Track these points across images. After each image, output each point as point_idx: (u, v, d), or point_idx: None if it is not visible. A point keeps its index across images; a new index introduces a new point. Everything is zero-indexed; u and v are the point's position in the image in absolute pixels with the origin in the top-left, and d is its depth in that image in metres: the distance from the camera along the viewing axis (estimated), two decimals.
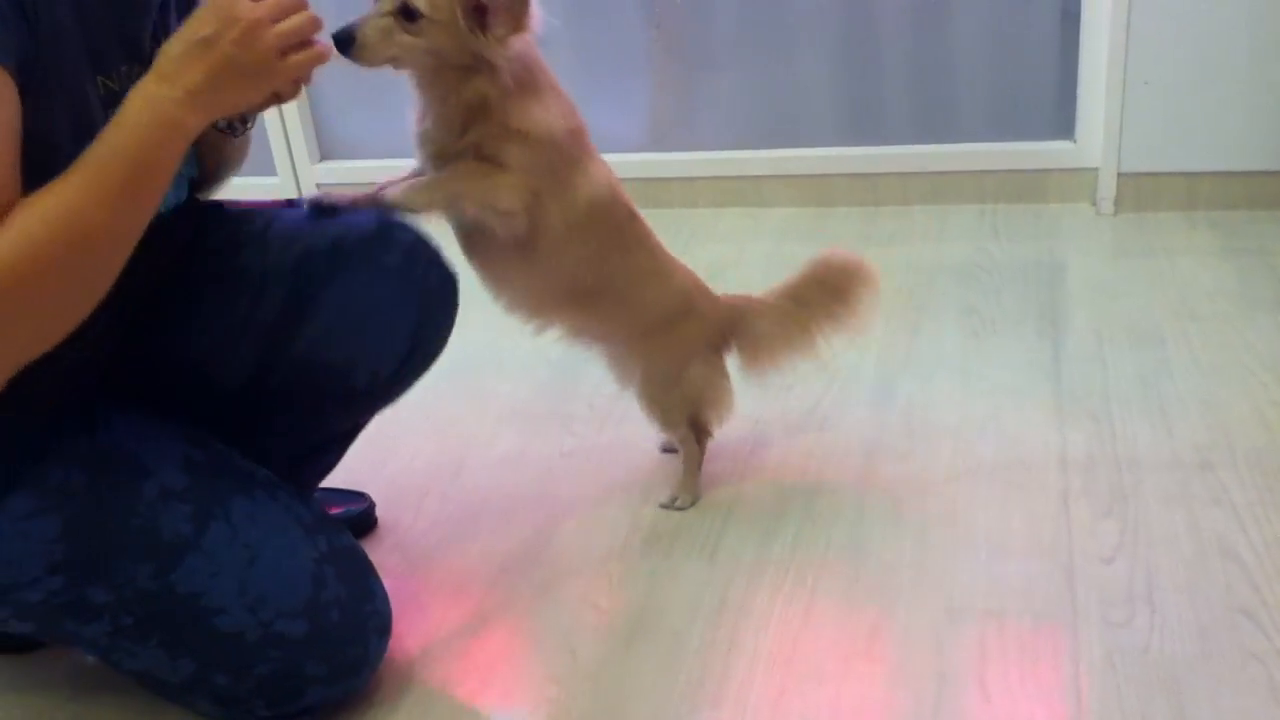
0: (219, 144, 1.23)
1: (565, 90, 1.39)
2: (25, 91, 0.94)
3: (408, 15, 1.23)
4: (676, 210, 2.76)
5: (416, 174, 1.41)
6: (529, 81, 1.33)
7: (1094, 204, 2.49)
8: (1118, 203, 2.45)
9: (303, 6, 1.04)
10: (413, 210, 1.32)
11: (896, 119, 2.63)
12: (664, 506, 1.57)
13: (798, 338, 1.55)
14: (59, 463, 1.11)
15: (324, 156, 3.07)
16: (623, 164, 2.97)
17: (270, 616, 1.14)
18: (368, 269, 1.27)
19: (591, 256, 1.43)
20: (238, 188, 1.37)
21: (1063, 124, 2.52)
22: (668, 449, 1.67)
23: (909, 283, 2.23)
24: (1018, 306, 2.08)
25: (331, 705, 1.22)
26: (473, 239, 1.41)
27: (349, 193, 1.35)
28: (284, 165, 3.04)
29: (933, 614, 1.32)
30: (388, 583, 1.28)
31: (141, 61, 1.09)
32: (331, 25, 1.19)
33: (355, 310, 1.27)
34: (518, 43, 1.29)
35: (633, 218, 1.48)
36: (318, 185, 3.06)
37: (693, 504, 1.57)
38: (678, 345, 1.51)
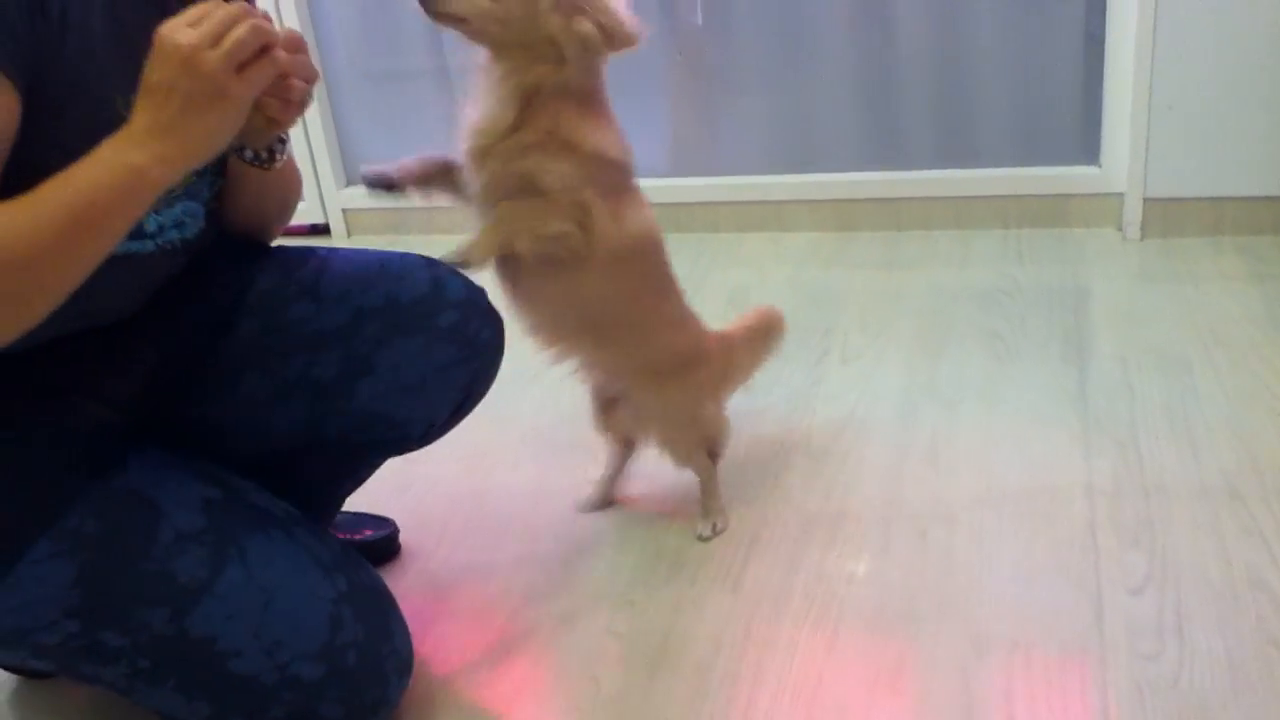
0: (251, 177, 1.23)
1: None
2: (40, 103, 0.94)
3: None
4: (698, 234, 2.77)
5: (442, 162, 1.39)
6: (590, 100, 1.33)
7: (1120, 229, 2.47)
8: (1144, 228, 2.44)
9: (242, 19, 0.97)
10: (473, 267, 1.34)
11: (919, 144, 2.63)
12: (705, 538, 1.57)
13: (753, 369, 1.66)
14: (74, 507, 1.10)
15: (350, 182, 3.10)
16: (645, 188, 2.99)
17: (286, 659, 1.14)
18: (424, 331, 1.29)
19: (626, 294, 1.45)
20: None
21: (1088, 149, 2.51)
22: (592, 508, 1.67)
23: (932, 308, 2.22)
24: (1042, 332, 2.07)
25: None
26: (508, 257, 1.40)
27: (404, 164, 1.36)
28: (311, 191, 3.07)
29: (959, 645, 1.31)
30: (410, 610, 1.28)
31: None
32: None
33: (413, 372, 1.29)
34: (595, 51, 1.28)
35: (667, 264, 1.50)
36: (344, 211, 3.09)
37: (726, 524, 1.59)
38: (694, 389, 1.53)
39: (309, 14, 2.90)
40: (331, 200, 3.09)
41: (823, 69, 2.64)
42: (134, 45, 1.03)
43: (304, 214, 3.05)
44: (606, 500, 1.67)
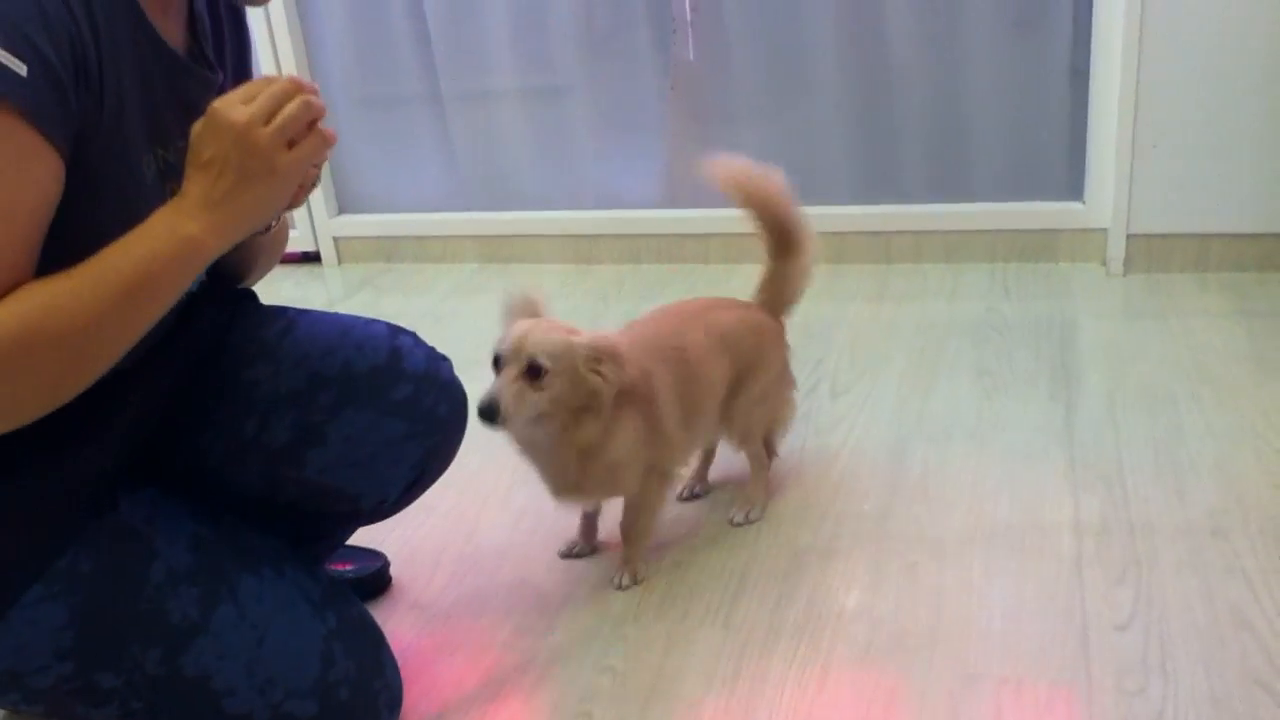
0: (250, 239, 1.25)
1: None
2: (78, 164, 0.96)
3: (534, 373, 1.36)
4: (690, 265, 2.80)
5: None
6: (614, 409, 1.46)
7: (1104, 264, 2.51)
8: (1127, 263, 2.47)
9: (294, 94, 1.00)
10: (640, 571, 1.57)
11: (910, 179, 2.66)
12: (739, 523, 1.66)
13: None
14: (68, 549, 1.10)
15: (342, 210, 3.12)
16: (638, 220, 3.02)
17: (280, 697, 1.14)
18: (376, 406, 1.26)
19: (697, 436, 1.64)
20: None
21: (1073, 185, 2.55)
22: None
23: (921, 342, 2.25)
24: (1030, 367, 2.10)
25: None
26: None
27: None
28: (303, 219, 3.08)
29: (948, 680, 1.32)
30: (402, 644, 1.29)
31: None
32: None
33: (363, 445, 1.27)
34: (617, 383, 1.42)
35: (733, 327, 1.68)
36: (335, 239, 3.11)
37: (760, 516, 1.68)
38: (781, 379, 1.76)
39: (303, 40, 2.92)
40: (323, 228, 3.10)
41: (814, 104, 2.67)
42: (157, 106, 1.06)
43: (295, 242, 3.07)
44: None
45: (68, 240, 0.96)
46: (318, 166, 1.10)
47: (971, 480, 1.74)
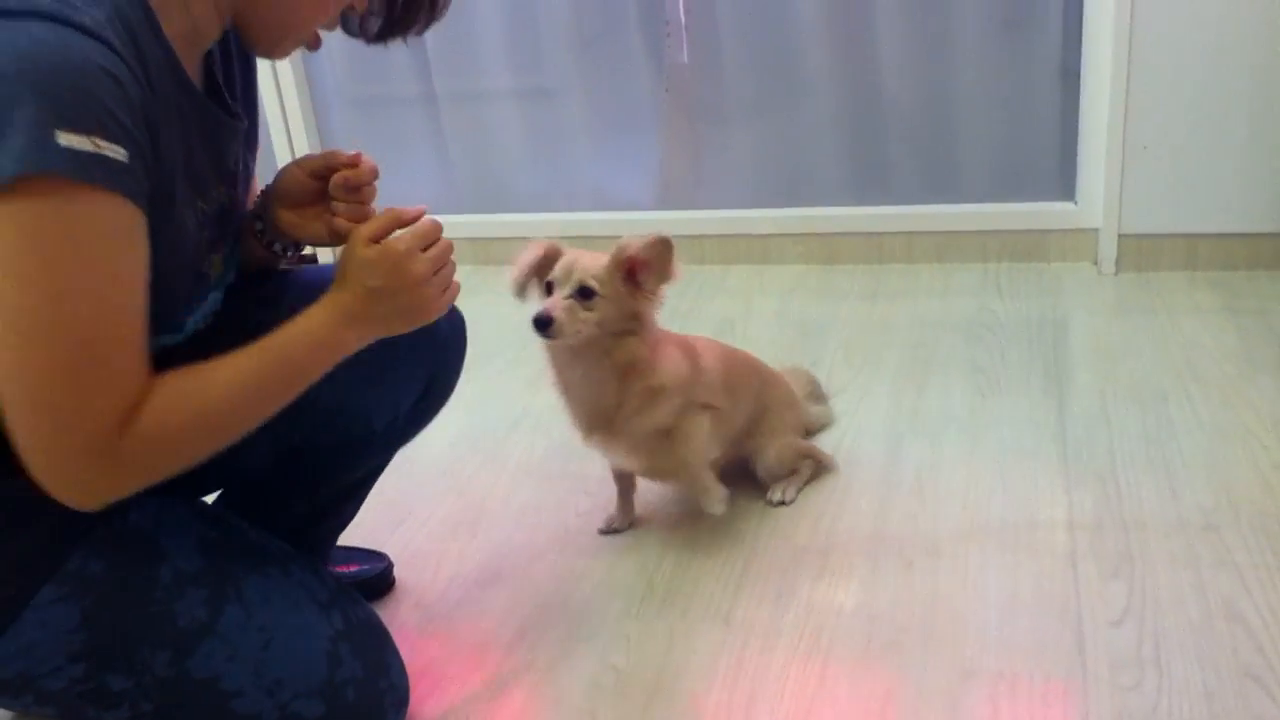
0: (261, 258, 1.29)
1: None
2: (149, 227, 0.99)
3: (584, 294, 1.45)
4: (685, 267, 2.78)
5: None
6: (658, 333, 1.54)
7: (1095, 264, 2.53)
8: (1119, 263, 2.50)
9: (447, 246, 1.17)
10: (716, 498, 1.62)
11: (902, 179, 2.68)
12: (773, 503, 1.73)
13: None
14: (76, 549, 1.11)
15: None
16: (633, 221, 3.02)
17: (287, 698, 1.15)
18: None
19: (744, 410, 1.70)
20: None
21: (1065, 186, 2.57)
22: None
23: (915, 340, 2.27)
24: (1022, 365, 2.12)
25: None
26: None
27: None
28: None
29: (946, 675, 1.34)
30: (406, 644, 1.30)
31: (226, 181, 1.16)
32: None
33: (373, 365, 1.30)
34: (660, 299, 1.50)
35: (737, 351, 1.76)
36: None
37: (793, 500, 1.75)
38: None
39: None
40: None
41: (806, 105, 2.69)
42: (195, 157, 1.09)
43: None
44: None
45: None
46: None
47: (966, 477, 1.76)
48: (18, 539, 1.09)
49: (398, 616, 1.57)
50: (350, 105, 3.02)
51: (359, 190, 1.21)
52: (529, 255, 1.52)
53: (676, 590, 1.56)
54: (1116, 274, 2.50)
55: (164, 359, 1.04)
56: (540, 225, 2.95)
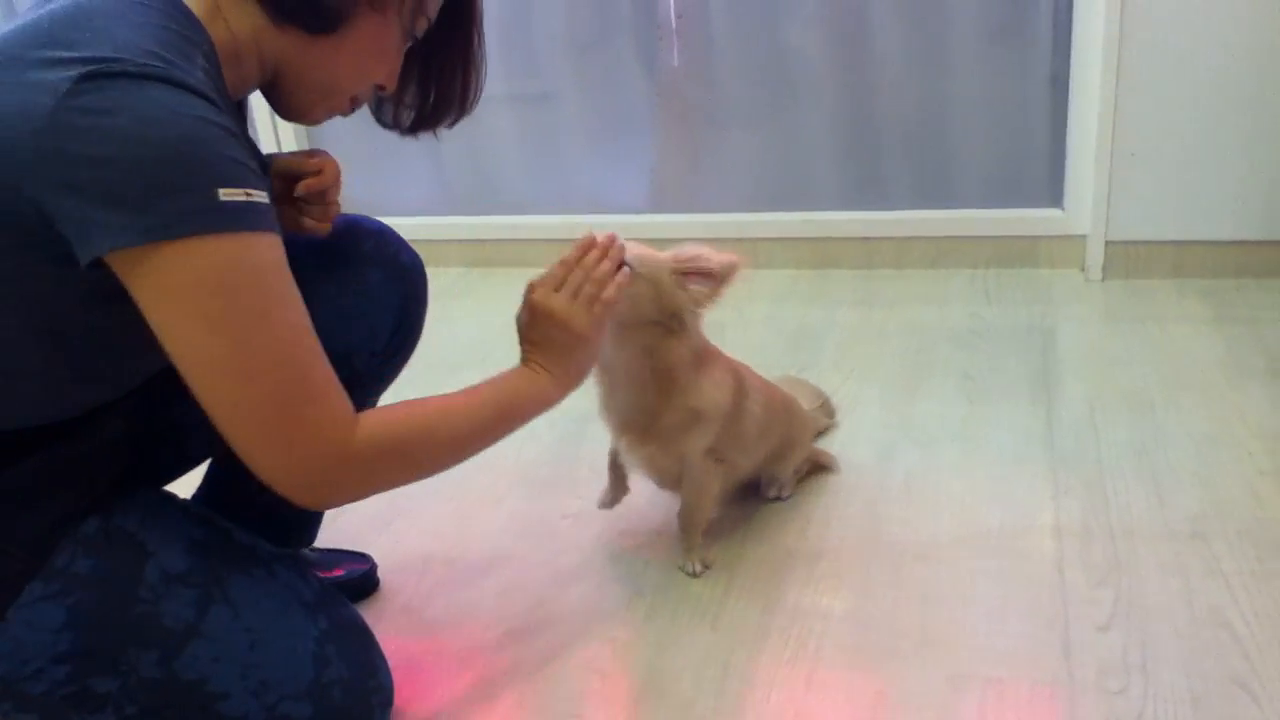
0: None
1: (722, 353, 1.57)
2: None
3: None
4: None
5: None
6: (704, 350, 1.51)
7: (1083, 270, 2.54)
8: (1105, 270, 2.51)
9: (592, 264, 1.30)
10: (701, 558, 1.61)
11: (895, 185, 2.69)
12: (771, 498, 1.75)
13: None
14: (62, 546, 1.11)
15: None
16: (625, 225, 3.02)
17: (274, 700, 1.15)
18: (350, 262, 1.38)
19: (764, 449, 1.67)
20: None
21: (1053, 192, 2.58)
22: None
23: (906, 346, 2.27)
24: (1012, 372, 2.13)
25: None
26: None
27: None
28: None
29: (935, 681, 1.34)
30: (391, 647, 1.30)
31: None
32: None
33: (346, 297, 1.37)
34: (710, 304, 1.45)
35: (775, 389, 1.70)
36: None
37: (790, 495, 1.77)
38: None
39: None
40: None
41: (799, 110, 2.70)
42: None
43: None
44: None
45: None
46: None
47: (955, 484, 1.76)
48: (7, 530, 1.08)
49: (384, 619, 1.56)
50: None
51: (324, 193, 1.29)
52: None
53: (664, 596, 1.56)
54: (1104, 280, 2.51)
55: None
56: (533, 228, 2.95)
